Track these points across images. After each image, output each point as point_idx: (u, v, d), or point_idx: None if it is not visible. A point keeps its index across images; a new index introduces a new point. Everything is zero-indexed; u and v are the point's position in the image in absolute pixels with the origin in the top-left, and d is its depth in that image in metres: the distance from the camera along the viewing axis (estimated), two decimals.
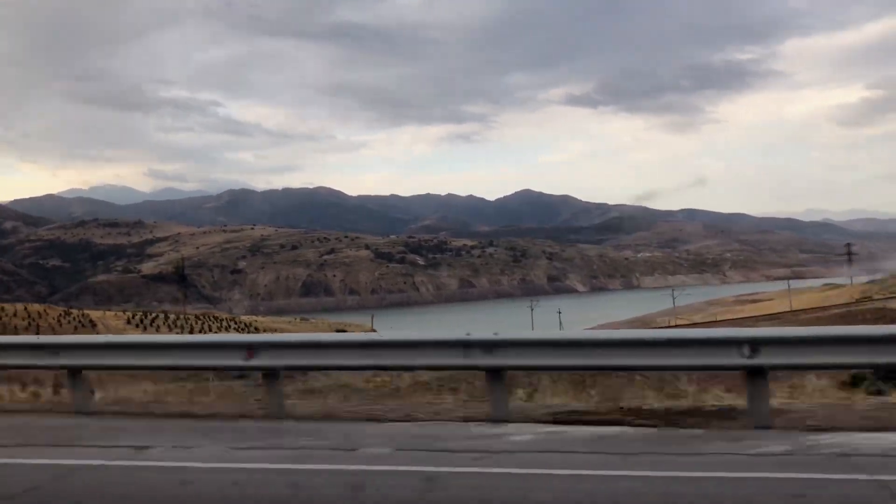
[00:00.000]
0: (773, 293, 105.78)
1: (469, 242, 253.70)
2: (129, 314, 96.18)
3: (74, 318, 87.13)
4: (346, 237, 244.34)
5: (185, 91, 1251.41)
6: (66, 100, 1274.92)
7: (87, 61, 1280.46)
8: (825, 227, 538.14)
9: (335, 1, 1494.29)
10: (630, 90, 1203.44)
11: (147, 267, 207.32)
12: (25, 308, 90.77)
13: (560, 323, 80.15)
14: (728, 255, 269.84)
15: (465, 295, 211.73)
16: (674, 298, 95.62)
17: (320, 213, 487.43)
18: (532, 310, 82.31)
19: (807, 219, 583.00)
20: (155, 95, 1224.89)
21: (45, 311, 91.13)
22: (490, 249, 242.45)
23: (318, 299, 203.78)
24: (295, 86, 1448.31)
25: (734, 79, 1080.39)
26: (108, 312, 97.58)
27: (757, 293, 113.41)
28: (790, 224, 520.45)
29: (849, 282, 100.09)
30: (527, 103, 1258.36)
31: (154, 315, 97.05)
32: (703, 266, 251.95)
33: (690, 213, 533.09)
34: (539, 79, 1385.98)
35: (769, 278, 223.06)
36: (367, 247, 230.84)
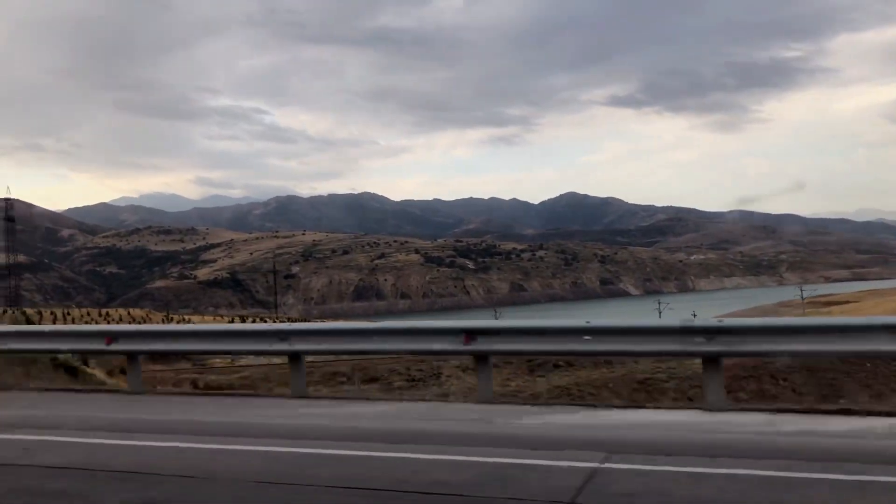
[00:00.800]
0: (850, 294, 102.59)
1: (518, 246, 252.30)
2: (228, 317, 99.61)
3: (175, 321, 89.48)
4: (395, 241, 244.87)
5: (230, 99, 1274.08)
6: (114, 110, 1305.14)
7: (134, 71, 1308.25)
8: (879, 226, 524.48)
9: (376, 6, 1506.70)
10: (673, 89, 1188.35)
11: (202, 272, 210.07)
12: (129, 312, 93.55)
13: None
14: (783, 256, 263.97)
15: (517, 298, 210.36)
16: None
17: (365, 217, 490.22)
18: (660, 311, 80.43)
19: (859, 218, 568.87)
20: (201, 104, 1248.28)
21: (147, 314, 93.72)
22: (540, 253, 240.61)
23: (370, 303, 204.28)
24: (337, 92, 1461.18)
25: (780, 76, 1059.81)
26: (205, 316, 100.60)
27: (831, 294, 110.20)
28: (842, 224, 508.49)
29: None
30: (568, 104, 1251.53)
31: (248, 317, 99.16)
32: (759, 268, 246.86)
33: (741, 214, 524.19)
34: (580, 79, 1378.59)
35: (827, 279, 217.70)
36: (416, 251, 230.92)
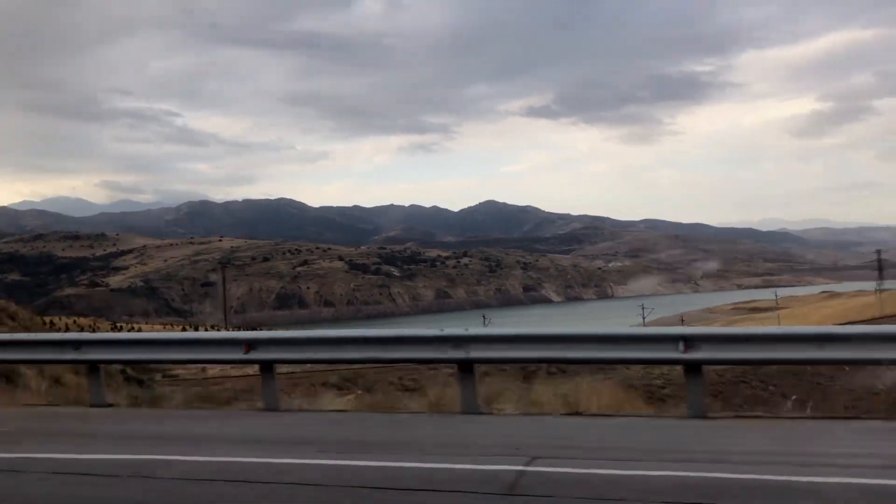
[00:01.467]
0: (773, 301, 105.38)
1: (443, 253, 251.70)
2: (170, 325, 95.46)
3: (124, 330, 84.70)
4: (317, 248, 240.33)
5: (142, 101, 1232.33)
6: (17, 110, 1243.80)
7: (40, 70, 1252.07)
8: (783, 235, 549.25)
9: (295, 10, 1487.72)
10: (589, 101, 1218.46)
11: (115, 280, 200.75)
12: (76, 321, 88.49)
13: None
14: (698, 263, 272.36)
15: (442, 305, 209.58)
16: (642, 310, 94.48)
17: (282, 224, 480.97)
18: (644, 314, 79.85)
19: (764, 228, 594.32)
20: (111, 105, 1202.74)
21: (94, 322, 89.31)
22: (465, 260, 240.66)
23: (293, 312, 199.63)
24: (254, 95, 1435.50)
25: (692, 90, 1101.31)
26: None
27: (753, 301, 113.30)
28: (749, 233, 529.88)
29: (879, 286, 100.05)
30: (488, 114, 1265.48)
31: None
32: (675, 275, 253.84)
33: (651, 223, 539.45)
34: (499, 90, 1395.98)
35: (741, 287, 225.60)
36: (340, 258, 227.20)
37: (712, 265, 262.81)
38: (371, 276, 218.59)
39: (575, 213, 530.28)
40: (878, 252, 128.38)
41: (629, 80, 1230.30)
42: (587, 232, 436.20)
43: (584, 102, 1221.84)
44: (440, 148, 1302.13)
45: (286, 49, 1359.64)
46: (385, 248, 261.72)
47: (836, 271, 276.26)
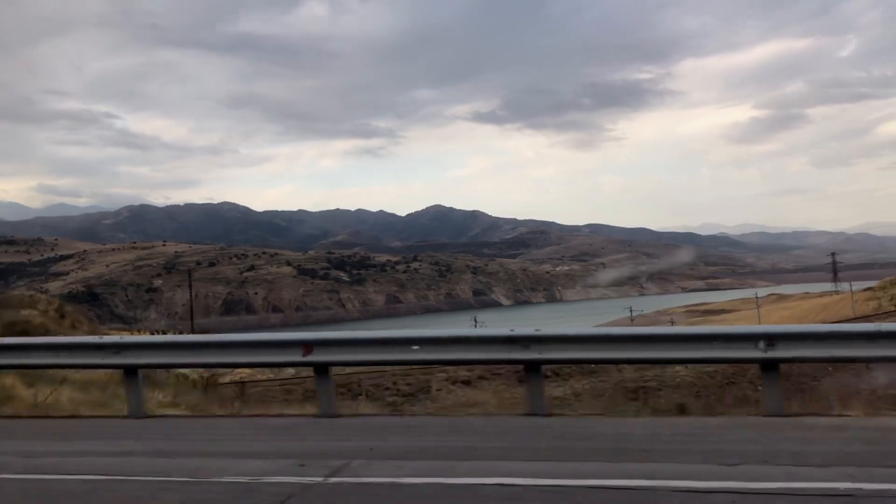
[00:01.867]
0: (726, 303, 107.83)
1: (392, 258, 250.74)
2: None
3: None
4: (264, 253, 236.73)
5: (80, 103, 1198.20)
6: None
7: None
8: (722, 240, 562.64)
9: (238, 12, 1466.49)
10: (534, 108, 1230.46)
11: (54, 286, 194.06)
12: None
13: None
14: (643, 267, 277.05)
15: (393, 311, 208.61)
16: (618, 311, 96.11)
17: (226, 228, 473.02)
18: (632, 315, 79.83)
19: (703, 232, 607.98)
20: (46, 107, 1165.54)
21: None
22: (415, 265, 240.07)
23: (240, 317, 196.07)
24: (196, 98, 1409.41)
25: (633, 97, 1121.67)
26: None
27: (705, 303, 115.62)
28: (689, 238, 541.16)
29: (834, 288, 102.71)
30: (434, 119, 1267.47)
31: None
32: (622, 279, 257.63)
33: (595, 228, 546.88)
34: (445, 95, 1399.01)
35: (685, 290, 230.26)
36: (288, 263, 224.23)
37: (682, 258, 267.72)
38: (320, 282, 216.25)
39: (521, 217, 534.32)
40: (833, 255, 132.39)
41: (572, 87, 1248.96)
42: (533, 237, 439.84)
43: (529, 108, 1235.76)
44: (387, 152, 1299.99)
45: (229, 51, 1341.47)
46: (333, 253, 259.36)
47: (776, 274, 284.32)
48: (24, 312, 25.45)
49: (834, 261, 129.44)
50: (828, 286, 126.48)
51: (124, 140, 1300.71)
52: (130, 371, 9.70)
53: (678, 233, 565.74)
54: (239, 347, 9.84)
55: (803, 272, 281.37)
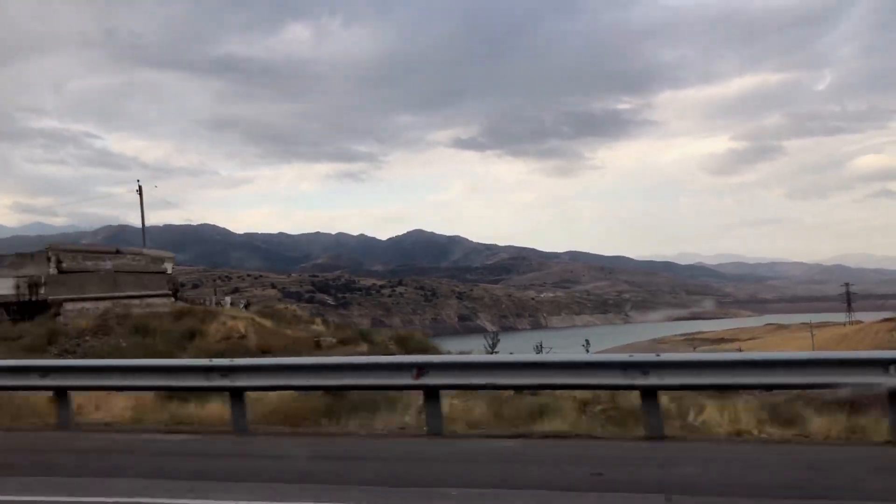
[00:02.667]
0: (724, 332, 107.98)
1: (377, 281, 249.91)
2: None
3: None
4: (248, 275, 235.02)
5: (58, 122, 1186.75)
6: None
7: None
8: (699, 269, 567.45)
9: (221, 33, 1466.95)
10: (514, 135, 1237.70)
11: None
12: None
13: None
14: (627, 296, 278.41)
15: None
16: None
17: (205, 249, 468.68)
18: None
19: (681, 261, 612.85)
20: (24, 125, 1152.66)
21: None
22: (400, 289, 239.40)
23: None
24: (176, 119, 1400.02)
25: (612, 127, 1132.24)
26: None
27: (701, 332, 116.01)
28: (668, 266, 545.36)
29: (847, 318, 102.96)
30: (415, 144, 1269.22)
31: None
32: (606, 306, 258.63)
33: (574, 255, 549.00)
34: (426, 120, 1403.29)
35: (670, 319, 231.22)
36: (273, 286, 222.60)
37: (547, 294, 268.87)
38: (305, 305, 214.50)
39: (501, 243, 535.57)
40: (847, 286, 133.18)
41: (552, 115, 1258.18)
42: (514, 263, 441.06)
43: (510, 136, 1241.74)
44: (368, 177, 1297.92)
45: (210, 73, 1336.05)
46: (317, 276, 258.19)
47: (757, 304, 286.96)
48: None
49: (848, 291, 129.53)
50: (815, 316, 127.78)
51: (102, 160, 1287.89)
52: None
53: (656, 261, 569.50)
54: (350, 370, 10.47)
55: (786, 302, 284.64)
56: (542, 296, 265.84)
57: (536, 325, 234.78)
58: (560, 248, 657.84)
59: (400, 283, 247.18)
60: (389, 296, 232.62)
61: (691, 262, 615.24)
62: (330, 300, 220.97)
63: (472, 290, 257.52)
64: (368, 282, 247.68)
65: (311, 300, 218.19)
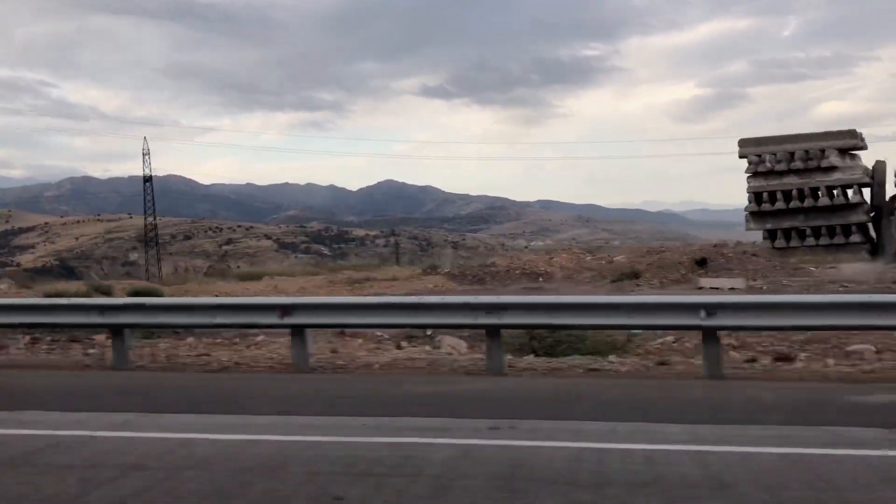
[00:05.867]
0: None
1: (370, 232, 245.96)
2: None
3: None
4: (239, 227, 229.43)
5: (9, 70, 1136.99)
6: None
7: None
8: (668, 216, 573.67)
9: None
10: (481, 83, 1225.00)
11: (25, 259, 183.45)
12: None
13: None
14: (616, 242, 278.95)
15: None
16: None
17: (173, 201, 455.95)
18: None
19: (650, 209, 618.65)
20: None
21: None
22: (393, 238, 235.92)
23: None
24: (134, 67, 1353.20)
25: (580, 74, 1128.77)
26: None
27: None
28: (639, 214, 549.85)
29: None
30: (380, 92, 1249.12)
31: None
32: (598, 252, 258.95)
33: (545, 204, 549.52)
34: (391, 68, 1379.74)
35: None
36: (267, 237, 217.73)
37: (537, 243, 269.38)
38: (302, 256, 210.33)
39: (473, 193, 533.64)
40: None
41: (519, 64, 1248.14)
42: (491, 212, 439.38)
43: (476, 84, 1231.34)
44: (333, 126, 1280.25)
45: (168, 19, 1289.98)
46: (304, 227, 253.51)
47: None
48: None
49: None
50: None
51: (59, 110, 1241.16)
52: None
53: (627, 209, 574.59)
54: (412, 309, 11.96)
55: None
56: (532, 244, 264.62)
57: None
58: (531, 196, 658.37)
59: (393, 234, 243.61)
60: (385, 246, 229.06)
61: (659, 210, 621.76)
62: (326, 251, 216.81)
63: (463, 238, 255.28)
64: (361, 232, 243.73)
65: (307, 251, 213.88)
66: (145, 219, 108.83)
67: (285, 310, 11.07)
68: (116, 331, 11.78)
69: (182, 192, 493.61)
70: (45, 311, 12.61)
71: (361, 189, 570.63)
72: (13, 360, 12.87)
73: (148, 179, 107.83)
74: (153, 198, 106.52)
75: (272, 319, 11.29)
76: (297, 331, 11.15)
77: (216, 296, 26.67)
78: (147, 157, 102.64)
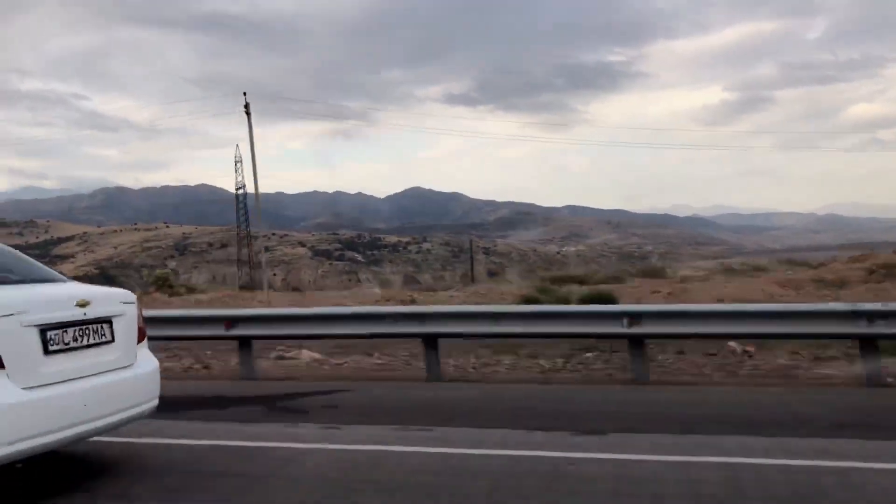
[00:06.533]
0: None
1: (402, 238, 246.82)
2: None
3: None
4: (273, 234, 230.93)
5: (42, 83, 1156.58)
6: None
7: None
8: (698, 220, 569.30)
9: None
10: (506, 89, 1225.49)
11: (67, 269, 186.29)
12: None
13: None
14: (649, 248, 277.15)
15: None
16: None
17: (204, 210, 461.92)
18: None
19: (678, 213, 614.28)
20: (7, 87, 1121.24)
21: None
22: (426, 245, 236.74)
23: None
24: (163, 77, 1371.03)
25: (605, 79, 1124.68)
26: None
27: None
28: (668, 219, 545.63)
29: None
30: (406, 100, 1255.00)
31: None
32: (632, 259, 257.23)
33: (573, 209, 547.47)
34: (416, 75, 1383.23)
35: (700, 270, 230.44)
36: (301, 244, 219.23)
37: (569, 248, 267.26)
38: (336, 263, 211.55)
39: (500, 199, 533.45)
40: None
41: (544, 69, 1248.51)
42: (519, 218, 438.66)
43: (502, 90, 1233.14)
44: (360, 134, 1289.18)
45: (196, 30, 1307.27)
46: (337, 234, 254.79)
47: (770, 254, 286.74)
48: None
49: None
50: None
51: (91, 121, 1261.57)
52: None
53: (656, 214, 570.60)
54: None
55: (800, 251, 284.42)
56: (564, 249, 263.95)
57: None
58: (558, 202, 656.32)
59: (425, 240, 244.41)
60: (417, 252, 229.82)
61: (688, 214, 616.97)
62: (360, 258, 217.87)
63: (495, 244, 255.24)
64: (393, 239, 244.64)
65: (341, 258, 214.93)
66: (238, 229, 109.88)
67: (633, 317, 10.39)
68: None
69: (213, 201, 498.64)
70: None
71: (389, 196, 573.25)
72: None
73: (241, 188, 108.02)
74: (245, 208, 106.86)
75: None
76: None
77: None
78: (239, 164, 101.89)
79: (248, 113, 51.24)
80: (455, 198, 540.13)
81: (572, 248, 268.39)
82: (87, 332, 5.52)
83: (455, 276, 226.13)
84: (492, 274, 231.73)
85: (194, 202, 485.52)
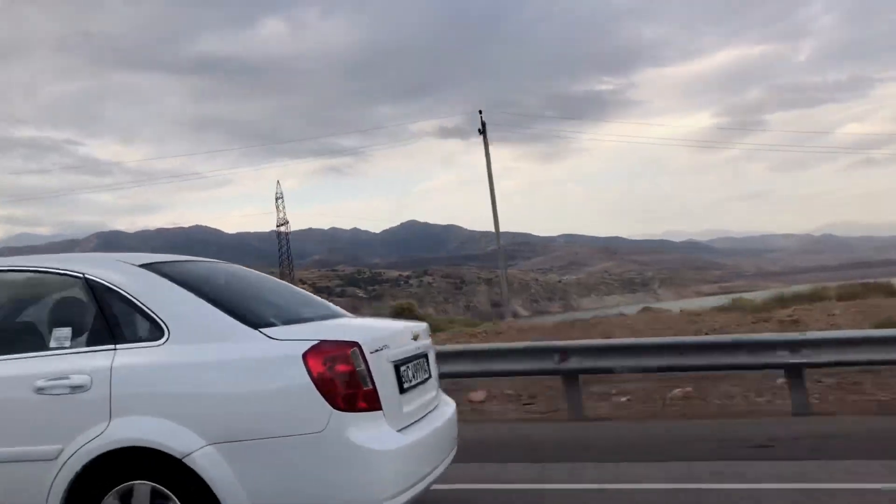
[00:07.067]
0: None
1: (403, 273, 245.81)
2: None
3: None
4: (272, 272, 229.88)
5: (35, 130, 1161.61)
6: None
7: None
8: (693, 246, 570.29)
9: (196, 32, 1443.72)
10: (497, 122, 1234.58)
11: None
12: None
13: None
14: (650, 274, 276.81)
15: None
16: None
17: (200, 251, 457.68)
18: None
19: (673, 239, 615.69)
20: (3, 134, 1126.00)
21: None
22: (427, 278, 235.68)
23: None
24: (156, 121, 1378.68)
25: (595, 108, 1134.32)
26: None
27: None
28: (663, 245, 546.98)
29: None
30: (399, 135, 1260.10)
31: None
32: (633, 286, 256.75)
33: (570, 238, 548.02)
34: (407, 110, 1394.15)
35: (701, 294, 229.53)
36: (302, 281, 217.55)
37: (569, 277, 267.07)
38: (338, 299, 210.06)
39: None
40: None
41: (535, 100, 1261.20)
42: (517, 248, 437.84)
43: (493, 123, 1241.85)
44: (353, 170, 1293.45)
45: (188, 72, 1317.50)
46: (336, 270, 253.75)
47: (769, 277, 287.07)
48: None
49: None
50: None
51: (84, 166, 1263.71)
52: None
53: (652, 240, 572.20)
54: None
55: (797, 273, 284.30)
56: (565, 278, 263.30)
57: (569, 308, 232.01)
58: (554, 231, 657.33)
59: (426, 273, 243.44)
60: (419, 286, 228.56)
61: (683, 240, 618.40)
62: (361, 293, 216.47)
63: (495, 275, 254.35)
64: (393, 273, 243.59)
65: (342, 294, 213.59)
66: (280, 266, 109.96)
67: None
68: None
69: (208, 242, 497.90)
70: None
71: (384, 231, 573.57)
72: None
73: (282, 224, 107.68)
74: (288, 246, 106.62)
75: None
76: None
77: None
78: (280, 200, 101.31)
79: (483, 132, 41.34)
80: (451, 230, 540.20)
81: (573, 277, 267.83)
82: (420, 367, 4.89)
83: (457, 309, 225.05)
84: (495, 305, 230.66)
85: (191, 243, 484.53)
